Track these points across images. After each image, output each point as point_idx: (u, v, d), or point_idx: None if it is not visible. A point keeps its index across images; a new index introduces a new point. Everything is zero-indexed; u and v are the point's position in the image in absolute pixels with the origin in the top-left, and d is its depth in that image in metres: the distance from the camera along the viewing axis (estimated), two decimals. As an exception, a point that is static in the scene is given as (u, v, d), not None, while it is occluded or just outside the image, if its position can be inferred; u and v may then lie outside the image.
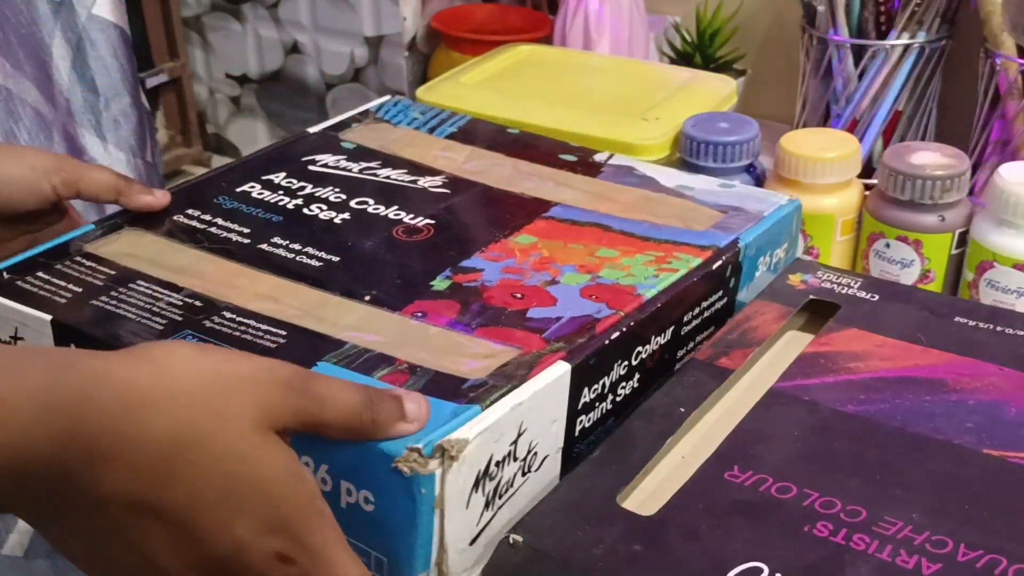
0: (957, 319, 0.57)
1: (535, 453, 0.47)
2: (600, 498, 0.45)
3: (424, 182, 0.65)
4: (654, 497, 0.46)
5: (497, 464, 0.44)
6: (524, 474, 0.46)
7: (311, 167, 0.66)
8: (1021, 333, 0.56)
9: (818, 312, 0.59)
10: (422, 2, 1.10)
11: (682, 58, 1.03)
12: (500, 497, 0.45)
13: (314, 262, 0.56)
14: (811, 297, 0.59)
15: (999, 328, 0.56)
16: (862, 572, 0.41)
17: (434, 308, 0.52)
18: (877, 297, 0.58)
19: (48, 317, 0.51)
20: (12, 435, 0.34)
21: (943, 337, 0.55)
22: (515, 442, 0.45)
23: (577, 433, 0.49)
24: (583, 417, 0.49)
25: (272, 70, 1.23)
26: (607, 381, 0.50)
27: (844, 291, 0.59)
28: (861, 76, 0.88)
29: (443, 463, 0.42)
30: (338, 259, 0.56)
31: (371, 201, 0.62)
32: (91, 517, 0.38)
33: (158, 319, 0.51)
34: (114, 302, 0.52)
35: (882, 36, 0.87)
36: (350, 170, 0.66)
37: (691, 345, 0.57)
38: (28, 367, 0.36)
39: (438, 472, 0.42)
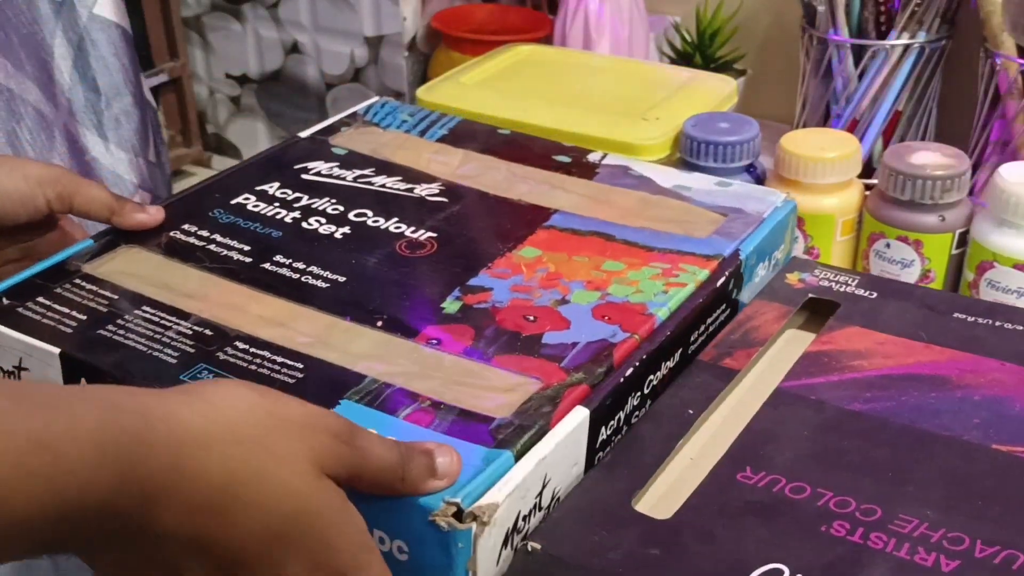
0: (956, 315, 0.57)
1: (558, 499, 0.47)
2: (614, 503, 0.45)
3: (420, 190, 0.64)
4: (667, 500, 0.46)
5: (524, 518, 0.45)
6: (547, 518, 0.47)
7: (304, 176, 0.66)
8: (1020, 328, 0.56)
9: (816, 311, 0.59)
10: (422, 2, 1.10)
11: (682, 58, 1.03)
12: None
13: (320, 283, 0.56)
14: (810, 296, 0.59)
15: (998, 323, 0.56)
16: (882, 571, 0.42)
17: (447, 334, 0.52)
18: (875, 295, 0.59)
19: (56, 350, 0.50)
20: (68, 481, 0.34)
21: (943, 333, 0.56)
22: (540, 494, 0.45)
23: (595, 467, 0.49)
24: (600, 454, 0.49)
25: (272, 70, 1.23)
26: (622, 415, 0.50)
27: (842, 289, 0.59)
28: (861, 76, 0.88)
29: (475, 528, 0.42)
30: (344, 279, 0.56)
31: (370, 212, 0.62)
32: (143, 552, 0.38)
33: (169, 351, 0.50)
34: (122, 332, 0.52)
35: (882, 36, 0.87)
36: (344, 178, 0.66)
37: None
38: (79, 410, 0.36)
39: (471, 535, 0.42)
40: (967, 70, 0.88)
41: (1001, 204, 0.69)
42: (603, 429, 0.49)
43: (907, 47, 0.86)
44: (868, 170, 0.86)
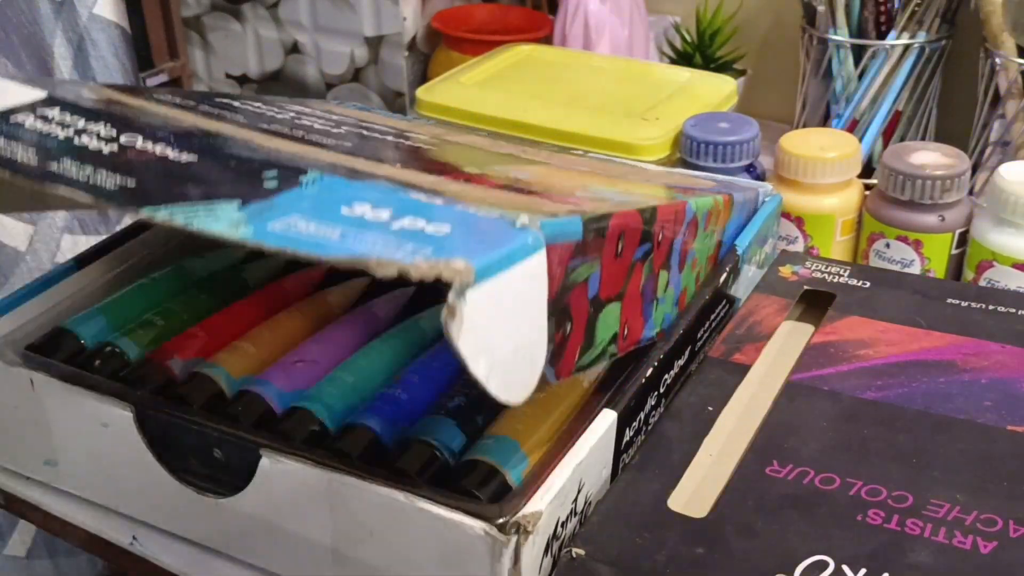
0: (949, 300, 0.58)
1: (589, 503, 0.47)
2: (650, 504, 0.45)
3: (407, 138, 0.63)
4: (697, 498, 0.46)
5: (562, 525, 0.45)
6: (581, 524, 0.47)
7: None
8: (1013, 310, 0.57)
9: (812, 303, 0.60)
10: (422, 2, 1.10)
11: (682, 58, 1.03)
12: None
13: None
14: (806, 288, 0.60)
15: (991, 307, 0.57)
16: (924, 556, 0.42)
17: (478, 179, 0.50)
18: (868, 284, 0.60)
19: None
20: None
21: (941, 319, 0.57)
22: (575, 499, 0.46)
23: (620, 471, 0.50)
24: (624, 456, 0.50)
25: (272, 70, 1.23)
26: (642, 415, 0.51)
27: (835, 279, 0.60)
28: (861, 76, 0.88)
29: (519, 538, 0.42)
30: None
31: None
32: None
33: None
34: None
35: (882, 36, 0.87)
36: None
37: (701, 356, 0.57)
38: None
39: (512, 547, 0.42)
40: (967, 70, 0.88)
41: (1000, 203, 0.69)
42: (627, 431, 0.49)
43: (907, 47, 0.86)
44: (868, 170, 0.86)
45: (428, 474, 0.47)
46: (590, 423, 0.47)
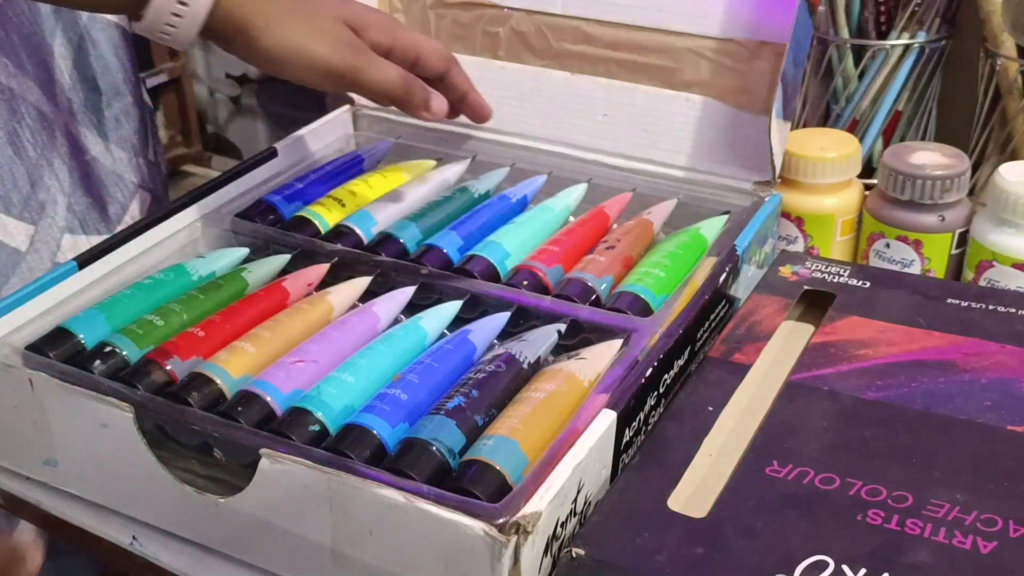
0: (949, 300, 0.58)
1: (589, 503, 0.47)
2: (650, 504, 0.45)
3: None
4: (697, 498, 0.46)
5: (562, 525, 0.45)
6: (581, 524, 0.47)
7: None
8: (1013, 310, 0.57)
9: (812, 303, 0.60)
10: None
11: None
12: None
13: None
14: (806, 288, 0.60)
15: (991, 307, 0.57)
16: (923, 556, 0.42)
17: None
18: (868, 284, 0.60)
19: None
20: None
21: (940, 319, 0.57)
22: (575, 500, 0.46)
23: (620, 471, 0.50)
24: (624, 455, 0.50)
25: (272, 70, 1.23)
26: (642, 415, 0.51)
27: (835, 279, 0.60)
28: (861, 76, 0.88)
29: (519, 538, 0.42)
30: None
31: None
32: None
33: None
34: None
35: (882, 36, 0.87)
36: None
37: (701, 356, 0.57)
38: None
39: (512, 547, 0.42)
40: (967, 70, 0.88)
41: (1000, 203, 0.69)
42: (627, 431, 0.49)
43: (907, 47, 0.86)
44: (868, 170, 0.86)
45: (428, 474, 0.47)
46: (590, 423, 0.47)
